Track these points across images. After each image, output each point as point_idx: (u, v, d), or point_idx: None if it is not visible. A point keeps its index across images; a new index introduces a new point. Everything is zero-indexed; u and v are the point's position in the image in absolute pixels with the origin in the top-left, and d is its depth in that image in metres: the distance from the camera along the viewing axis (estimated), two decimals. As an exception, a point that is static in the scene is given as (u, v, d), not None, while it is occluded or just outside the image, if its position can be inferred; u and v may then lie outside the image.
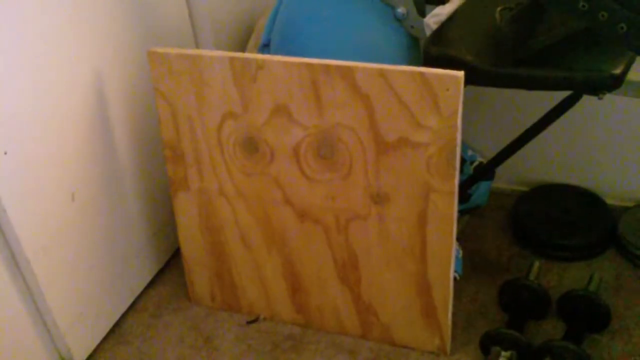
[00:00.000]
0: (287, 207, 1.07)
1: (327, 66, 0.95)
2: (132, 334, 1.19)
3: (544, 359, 1.05)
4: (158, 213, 1.26)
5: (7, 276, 0.98)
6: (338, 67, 0.95)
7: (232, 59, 0.99)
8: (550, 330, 1.14)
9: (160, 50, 1.03)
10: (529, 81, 0.94)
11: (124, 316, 1.21)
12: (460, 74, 0.89)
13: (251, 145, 1.04)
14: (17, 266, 0.99)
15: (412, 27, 1.07)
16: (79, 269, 1.09)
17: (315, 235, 1.08)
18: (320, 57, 1.00)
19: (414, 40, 1.09)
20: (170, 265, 1.32)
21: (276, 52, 1.09)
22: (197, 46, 1.27)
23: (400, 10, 1.07)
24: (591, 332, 1.13)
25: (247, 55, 1.00)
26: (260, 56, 0.99)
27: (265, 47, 1.12)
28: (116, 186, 1.15)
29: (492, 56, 0.94)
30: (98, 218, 1.11)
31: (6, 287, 0.99)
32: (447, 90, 0.90)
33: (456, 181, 0.97)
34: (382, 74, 0.93)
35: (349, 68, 0.94)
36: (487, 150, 1.37)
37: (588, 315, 1.14)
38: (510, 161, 1.15)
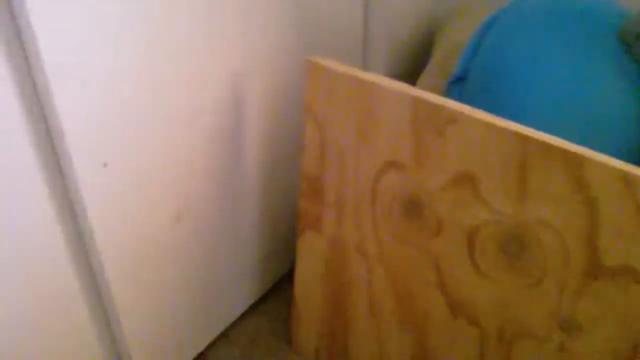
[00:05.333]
0: (438, 294, 0.83)
1: (548, 146, 0.68)
2: (217, 369, 1.01)
3: None
4: (272, 235, 1.05)
5: (85, 307, 0.80)
6: (563, 152, 0.67)
7: (416, 100, 0.74)
8: None
9: (322, 62, 0.79)
10: None
11: (211, 346, 1.03)
12: None
13: (414, 209, 0.80)
14: (99, 294, 0.81)
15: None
16: (166, 298, 0.90)
17: (467, 337, 0.83)
18: (535, 119, 0.74)
19: None
20: (274, 292, 1.11)
21: (474, 94, 0.82)
22: (365, 61, 1.01)
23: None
24: None
25: (437, 99, 0.73)
26: (455, 106, 0.72)
27: (458, 81, 0.84)
28: (230, 206, 0.93)
29: None
30: (202, 241, 0.91)
31: (82, 317, 0.81)
32: None
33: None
34: (625, 178, 0.65)
35: (578, 157, 0.67)
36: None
37: None
38: None
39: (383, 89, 0.75)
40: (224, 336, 1.04)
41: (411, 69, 1.12)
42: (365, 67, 1.02)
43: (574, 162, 0.67)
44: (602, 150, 0.69)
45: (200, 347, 1.01)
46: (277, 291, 1.11)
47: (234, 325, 1.05)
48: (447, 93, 0.84)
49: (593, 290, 0.71)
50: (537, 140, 0.68)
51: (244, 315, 1.06)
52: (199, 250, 0.92)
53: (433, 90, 0.95)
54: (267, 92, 0.91)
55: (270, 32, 0.87)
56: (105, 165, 0.72)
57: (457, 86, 0.84)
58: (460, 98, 0.83)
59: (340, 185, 0.84)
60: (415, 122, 0.75)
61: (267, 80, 0.90)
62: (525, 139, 0.69)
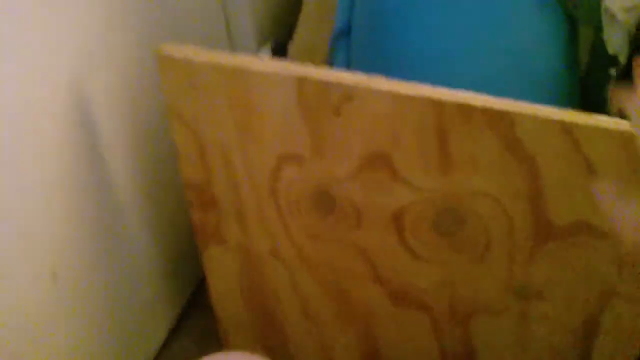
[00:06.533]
0: (375, 286, 0.72)
1: (467, 107, 0.56)
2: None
3: None
4: (173, 250, 0.90)
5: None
6: (486, 111, 0.56)
7: (300, 80, 0.59)
8: None
9: (175, 52, 0.63)
10: None
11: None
12: None
13: (325, 202, 0.67)
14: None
15: (574, 6, 0.64)
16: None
17: (417, 323, 0.73)
18: (438, 66, 0.62)
19: (569, 26, 0.67)
20: (192, 307, 0.97)
21: (363, 48, 0.67)
22: (228, 31, 0.83)
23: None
24: None
25: (324, 75, 0.59)
26: (348, 79, 0.58)
27: (341, 36, 0.69)
28: (113, 240, 0.78)
29: None
30: (89, 291, 0.76)
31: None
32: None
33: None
34: (564, 128, 0.54)
35: (505, 114, 0.55)
36: None
37: None
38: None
39: (257, 74, 0.61)
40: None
41: (285, 24, 0.97)
42: (230, 38, 0.87)
43: (502, 121, 0.55)
44: (523, 98, 0.58)
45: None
46: (195, 305, 0.97)
47: (160, 356, 0.91)
48: (333, 51, 0.70)
49: (547, 253, 0.62)
50: (453, 103, 0.56)
51: (168, 342, 0.93)
52: (90, 298, 0.77)
53: (314, 45, 0.81)
54: (124, 95, 0.75)
55: (114, 19, 0.70)
56: None
57: (342, 41, 0.69)
58: (349, 54, 0.69)
59: (233, 189, 0.70)
60: (304, 106, 0.61)
61: (119, 79, 0.74)
62: (439, 103, 0.56)
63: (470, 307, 0.69)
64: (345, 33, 0.69)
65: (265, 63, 0.62)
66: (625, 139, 0.52)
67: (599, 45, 0.59)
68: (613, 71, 0.57)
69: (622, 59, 0.58)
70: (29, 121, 0.63)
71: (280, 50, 0.81)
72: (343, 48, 0.69)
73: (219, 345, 0.89)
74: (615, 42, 0.56)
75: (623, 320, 0.63)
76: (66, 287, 0.72)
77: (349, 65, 0.69)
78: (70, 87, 0.67)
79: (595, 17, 0.64)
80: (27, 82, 0.61)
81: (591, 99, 0.62)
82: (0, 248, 0.63)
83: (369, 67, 0.58)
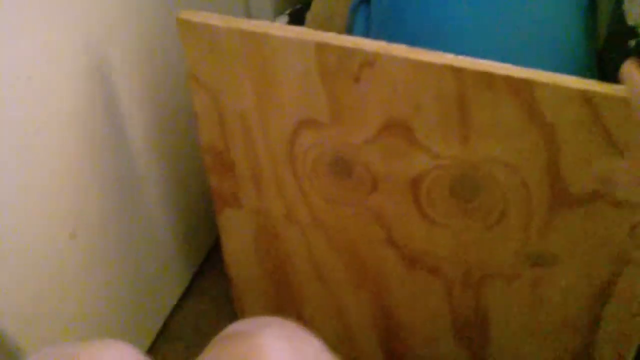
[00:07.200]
0: (390, 249, 0.73)
1: (488, 75, 0.56)
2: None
3: None
4: (189, 213, 0.91)
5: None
6: (507, 79, 0.56)
7: (320, 45, 0.59)
8: None
9: (195, 18, 0.63)
10: None
11: (153, 346, 0.90)
12: None
13: (342, 168, 0.68)
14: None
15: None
16: (84, 317, 0.77)
17: (429, 287, 0.74)
18: (458, 36, 0.62)
19: (589, 8, 0.66)
20: (207, 266, 0.99)
21: (384, 15, 0.67)
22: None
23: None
24: None
25: (344, 41, 0.59)
26: (369, 45, 0.58)
27: (360, 6, 0.69)
28: (130, 200, 0.79)
29: None
30: (107, 247, 0.77)
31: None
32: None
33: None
34: (585, 97, 0.54)
35: (526, 82, 0.55)
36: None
37: None
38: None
39: (277, 39, 0.61)
40: (164, 331, 0.92)
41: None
42: (247, 7, 0.86)
43: (522, 89, 0.55)
44: (542, 68, 0.58)
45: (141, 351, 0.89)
46: (209, 267, 0.99)
47: (173, 315, 0.93)
48: (353, 19, 0.70)
49: (562, 221, 0.62)
50: (474, 71, 0.56)
51: (181, 302, 0.94)
52: (107, 257, 0.78)
53: (331, 15, 0.81)
54: (141, 60, 0.75)
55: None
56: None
57: (362, 10, 0.69)
58: (368, 23, 0.69)
59: (251, 154, 0.71)
60: (324, 72, 0.61)
61: (137, 45, 0.74)
62: (460, 71, 0.56)
63: (483, 272, 0.70)
64: (365, 2, 0.69)
65: (285, 28, 0.62)
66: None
67: (618, 17, 0.59)
68: (632, 43, 0.57)
69: (642, 31, 0.58)
70: (50, 85, 0.63)
71: (297, 21, 0.81)
72: (362, 18, 0.68)
73: (232, 307, 0.91)
74: (636, 13, 0.56)
75: (636, 287, 0.64)
76: (84, 246, 0.73)
77: (367, 35, 0.69)
78: (90, 51, 0.67)
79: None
80: (49, 45, 0.62)
81: (608, 71, 0.62)
82: (21, 208, 0.64)
83: (389, 37, 0.57)
